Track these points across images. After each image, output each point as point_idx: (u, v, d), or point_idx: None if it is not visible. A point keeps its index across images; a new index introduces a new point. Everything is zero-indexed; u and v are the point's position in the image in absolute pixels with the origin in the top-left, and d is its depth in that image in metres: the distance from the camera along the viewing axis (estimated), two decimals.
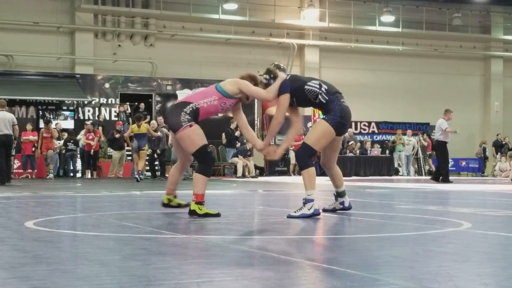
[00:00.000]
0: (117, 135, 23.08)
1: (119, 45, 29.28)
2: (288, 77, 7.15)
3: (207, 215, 6.76)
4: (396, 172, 27.47)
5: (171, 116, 6.91)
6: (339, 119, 7.05)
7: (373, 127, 31.61)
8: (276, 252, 4.41)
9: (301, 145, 7.18)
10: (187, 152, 7.03)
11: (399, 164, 27.80)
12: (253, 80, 7.09)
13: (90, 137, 23.12)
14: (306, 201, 6.97)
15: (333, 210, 7.62)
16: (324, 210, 7.58)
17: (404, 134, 28.59)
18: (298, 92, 7.10)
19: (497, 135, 32.14)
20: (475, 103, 35.58)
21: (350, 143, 27.28)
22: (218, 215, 6.83)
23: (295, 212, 6.98)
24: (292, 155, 25.73)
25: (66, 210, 8.53)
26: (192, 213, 6.80)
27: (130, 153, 23.34)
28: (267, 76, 7.08)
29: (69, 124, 25.74)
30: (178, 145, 7.17)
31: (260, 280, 3.39)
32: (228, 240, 5.15)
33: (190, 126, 6.77)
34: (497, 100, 35.68)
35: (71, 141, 23.04)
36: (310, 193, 6.98)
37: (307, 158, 7.09)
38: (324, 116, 7.11)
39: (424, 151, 29.01)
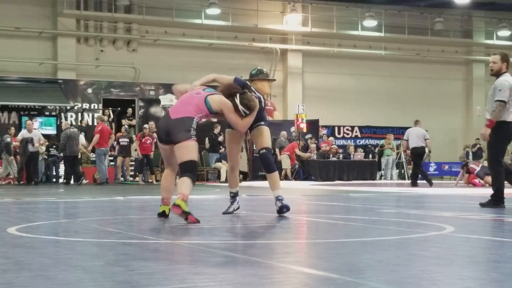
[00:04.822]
0: None
1: (102, 50, 29.21)
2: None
3: (189, 215, 6.69)
4: (380, 177, 27.52)
5: (182, 129, 6.99)
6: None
7: (356, 132, 31.70)
8: (259, 256, 4.41)
9: (268, 150, 7.83)
10: (178, 159, 7.04)
11: (383, 169, 27.81)
12: (230, 95, 7.32)
13: (149, 141, 23.02)
14: (283, 198, 7.71)
15: (232, 212, 8.12)
16: (225, 213, 8.04)
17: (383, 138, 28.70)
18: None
19: (476, 139, 32.28)
20: (457, 108, 35.77)
21: (332, 147, 27.31)
22: (198, 221, 6.73)
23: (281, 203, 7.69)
24: (285, 161, 25.64)
25: (48, 216, 8.48)
26: (177, 207, 6.66)
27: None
28: (247, 111, 7.30)
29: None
30: (172, 155, 7.19)
31: (243, 285, 3.39)
32: (211, 245, 5.14)
33: (195, 140, 7.02)
34: (479, 105, 35.85)
35: (54, 146, 22.91)
36: (281, 191, 7.81)
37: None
38: (263, 123, 7.83)
39: (406, 155, 29.07)
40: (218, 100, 7.23)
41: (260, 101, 7.68)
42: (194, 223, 6.66)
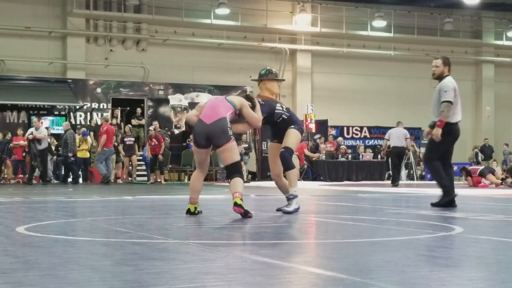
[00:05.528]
0: None
1: (111, 50, 29.25)
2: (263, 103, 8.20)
3: (247, 212, 7.29)
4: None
5: (221, 131, 7.46)
6: (302, 127, 8.55)
7: (365, 132, 31.65)
8: (268, 257, 4.41)
9: (287, 149, 8.17)
10: (223, 162, 7.67)
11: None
12: (250, 102, 7.94)
13: (153, 143, 23.10)
14: (294, 197, 8.12)
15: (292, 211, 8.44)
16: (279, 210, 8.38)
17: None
18: (269, 115, 8.19)
19: (485, 140, 32.20)
20: (466, 108, 35.59)
21: (341, 147, 27.30)
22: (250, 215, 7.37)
23: (287, 207, 8.12)
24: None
25: (57, 215, 8.50)
26: (239, 206, 7.28)
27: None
28: (249, 103, 7.87)
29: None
30: (206, 156, 7.80)
31: (252, 285, 3.39)
32: (220, 245, 5.14)
33: (234, 139, 7.58)
34: (489, 105, 35.79)
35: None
36: (295, 189, 8.18)
37: (292, 160, 8.24)
38: (293, 126, 8.26)
39: (415, 156, 29.03)
40: (237, 98, 7.84)
41: (275, 103, 8.28)
42: (250, 217, 7.30)
